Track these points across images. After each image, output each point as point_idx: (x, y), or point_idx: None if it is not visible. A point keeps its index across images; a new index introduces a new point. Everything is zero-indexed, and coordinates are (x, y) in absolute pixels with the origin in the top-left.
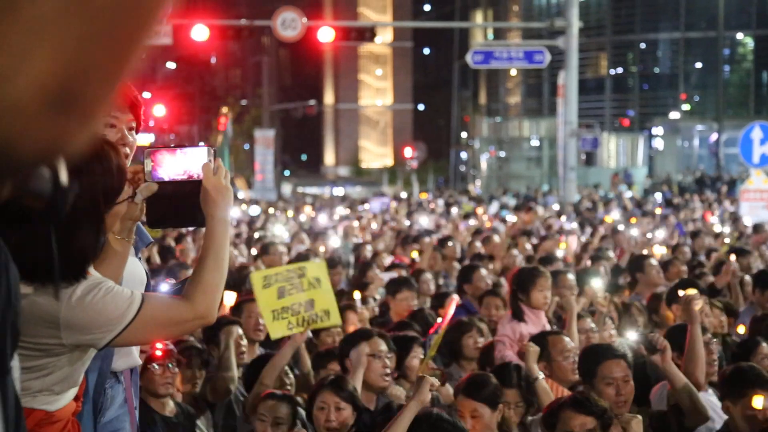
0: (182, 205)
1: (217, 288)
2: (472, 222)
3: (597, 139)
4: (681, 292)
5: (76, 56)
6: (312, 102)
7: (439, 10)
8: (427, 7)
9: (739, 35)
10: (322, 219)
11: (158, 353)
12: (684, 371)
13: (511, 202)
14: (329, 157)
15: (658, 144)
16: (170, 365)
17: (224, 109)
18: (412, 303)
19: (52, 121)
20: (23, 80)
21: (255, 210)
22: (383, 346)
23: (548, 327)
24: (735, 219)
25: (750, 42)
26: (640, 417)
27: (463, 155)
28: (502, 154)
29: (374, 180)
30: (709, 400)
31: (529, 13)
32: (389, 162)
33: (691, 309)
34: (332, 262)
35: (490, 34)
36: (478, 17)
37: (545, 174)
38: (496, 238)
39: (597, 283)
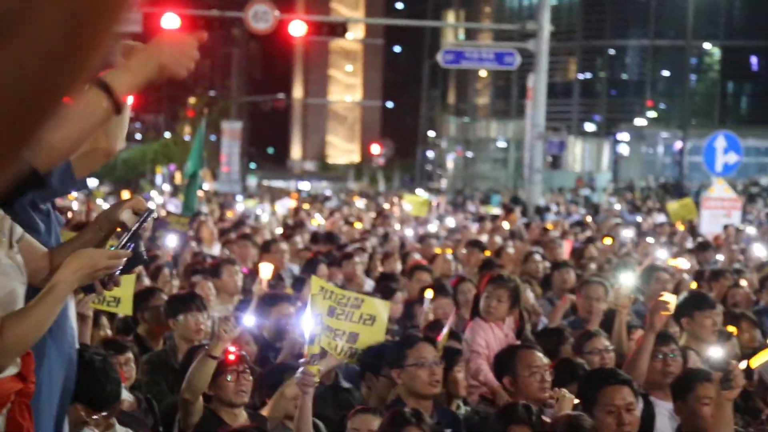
0: None
1: (25, 340)
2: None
3: (563, 143)
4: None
5: None
6: (281, 95)
7: (412, 9)
8: (399, 5)
9: (707, 45)
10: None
11: (231, 357)
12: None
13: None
14: (296, 151)
15: (623, 149)
16: (243, 371)
17: (192, 100)
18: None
19: None
20: None
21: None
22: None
23: (511, 333)
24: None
25: (717, 52)
26: None
27: (430, 154)
28: (469, 154)
29: (340, 176)
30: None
31: (500, 15)
32: (356, 158)
33: (658, 316)
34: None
35: (462, 35)
36: (450, 17)
37: (511, 175)
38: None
39: (627, 280)
